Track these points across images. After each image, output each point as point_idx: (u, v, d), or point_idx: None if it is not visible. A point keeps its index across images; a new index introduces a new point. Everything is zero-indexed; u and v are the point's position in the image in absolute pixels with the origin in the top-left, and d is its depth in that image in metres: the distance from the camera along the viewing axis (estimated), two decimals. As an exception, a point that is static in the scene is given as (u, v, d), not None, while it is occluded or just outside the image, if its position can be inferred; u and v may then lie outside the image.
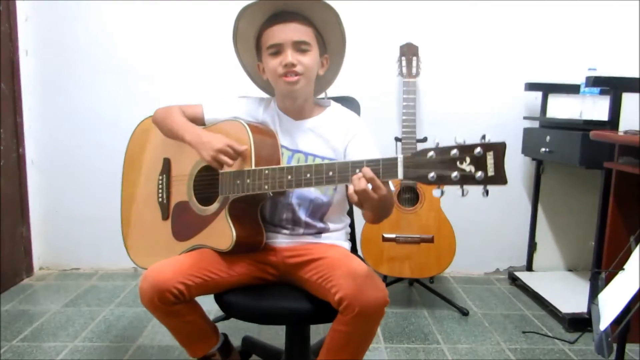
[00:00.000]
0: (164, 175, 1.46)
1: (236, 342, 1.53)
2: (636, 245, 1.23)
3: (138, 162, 1.54)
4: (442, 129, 2.52)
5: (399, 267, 2.21)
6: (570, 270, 2.65)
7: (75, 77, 2.53)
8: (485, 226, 2.63)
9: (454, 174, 0.94)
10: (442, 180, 0.96)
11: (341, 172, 1.10)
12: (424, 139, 2.30)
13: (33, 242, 2.60)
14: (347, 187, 1.34)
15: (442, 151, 0.97)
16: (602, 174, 1.95)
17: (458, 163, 0.95)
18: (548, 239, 2.63)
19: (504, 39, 2.52)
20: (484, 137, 0.95)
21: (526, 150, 2.49)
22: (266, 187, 1.21)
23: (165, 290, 1.17)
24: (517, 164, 2.61)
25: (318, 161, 1.33)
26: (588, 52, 2.47)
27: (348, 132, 1.36)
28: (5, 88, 2.38)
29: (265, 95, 1.49)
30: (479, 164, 0.93)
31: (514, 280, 2.57)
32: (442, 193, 0.98)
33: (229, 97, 1.44)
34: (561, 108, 2.38)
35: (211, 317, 1.41)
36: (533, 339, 1.99)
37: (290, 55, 1.27)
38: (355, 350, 1.19)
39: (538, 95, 2.50)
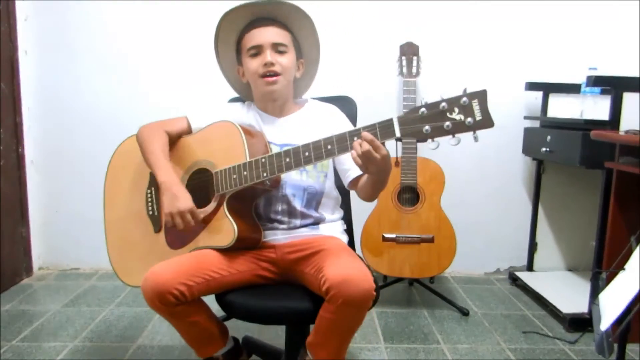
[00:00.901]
0: (152, 188, 1.45)
1: (236, 342, 1.53)
2: (637, 245, 1.22)
3: (120, 184, 1.52)
4: (443, 129, 2.52)
5: (399, 267, 2.21)
6: (570, 270, 2.65)
7: (75, 77, 2.53)
8: (485, 226, 2.63)
9: (447, 123, 1.05)
10: (437, 132, 1.06)
11: (340, 142, 1.15)
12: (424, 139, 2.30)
13: (33, 242, 2.60)
14: (334, 172, 1.43)
15: (432, 106, 1.06)
16: (602, 174, 1.95)
17: (448, 114, 1.05)
18: (549, 238, 2.62)
19: (504, 39, 2.52)
20: (465, 90, 1.05)
21: (527, 150, 2.49)
22: (264, 174, 1.24)
23: (165, 292, 1.17)
24: (517, 164, 2.61)
25: None
26: (588, 51, 2.47)
27: (331, 118, 1.45)
28: (5, 88, 2.37)
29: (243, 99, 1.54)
30: (467, 111, 1.04)
31: (514, 280, 2.57)
32: (438, 145, 1.07)
33: (212, 106, 1.48)
34: (562, 108, 2.38)
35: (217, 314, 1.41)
36: (533, 339, 1.99)
37: (269, 55, 1.35)
38: (342, 335, 1.24)
39: (538, 94, 2.49)
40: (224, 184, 1.29)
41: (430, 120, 1.06)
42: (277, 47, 1.37)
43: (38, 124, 2.57)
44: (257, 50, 1.37)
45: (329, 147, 1.16)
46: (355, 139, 1.13)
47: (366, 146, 1.10)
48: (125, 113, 2.50)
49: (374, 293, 1.15)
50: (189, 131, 1.43)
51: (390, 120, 1.10)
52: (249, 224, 1.35)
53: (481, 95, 1.04)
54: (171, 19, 2.49)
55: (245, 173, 1.26)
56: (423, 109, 1.06)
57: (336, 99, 1.58)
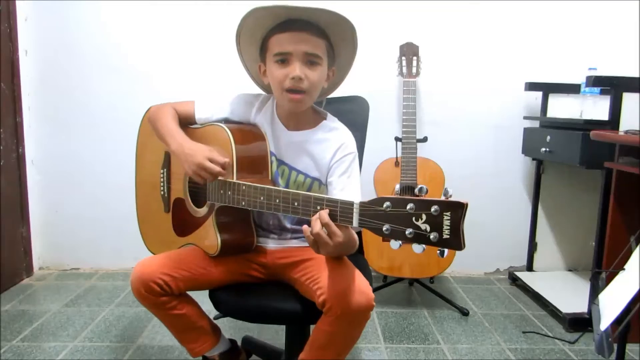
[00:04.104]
0: (165, 170, 1.46)
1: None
2: (636, 245, 1.23)
3: (147, 151, 1.54)
4: (442, 129, 2.52)
5: (399, 267, 2.21)
6: (570, 270, 2.65)
7: (75, 76, 2.53)
8: (485, 226, 2.62)
9: (409, 230, 0.88)
10: (396, 236, 0.90)
11: (304, 205, 1.05)
12: (424, 139, 2.30)
13: (33, 242, 2.59)
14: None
15: (399, 203, 0.90)
16: (602, 174, 1.95)
17: (413, 219, 0.88)
18: (548, 239, 2.63)
19: (504, 39, 2.52)
20: (446, 191, 0.87)
21: (526, 150, 2.49)
22: (243, 203, 1.19)
23: (149, 280, 1.21)
24: (517, 164, 2.61)
25: (301, 177, 1.33)
26: (588, 52, 2.47)
27: (335, 154, 1.31)
28: (5, 88, 2.37)
29: (261, 91, 1.47)
30: (435, 224, 0.86)
31: (514, 280, 2.57)
32: (400, 245, 0.92)
33: (221, 96, 1.40)
34: (561, 108, 2.38)
35: (211, 316, 1.42)
36: (533, 339, 1.99)
37: (298, 69, 1.20)
38: (338, 350, 1.20)
39: (538, 95, 2.50)
40: (213, 194, 1.26)
41: (392, 220, 0.90)
42: (308, 58, 1.21)
43: (38, 124, 2.57)
44: (285, 58, 1.22)
45: (295, 204, 1.07)
46: (317, 207, 1.01)
47: (317, 227, 0.99)
48: (125, 112, 2.50)
49: (373, 304, 1.12)
50: (194, 119, 1.39)
51: (351, 205, 0.96)
52: (240, 232, 1.32)
53: (456, 209, 0.84)
54: (171, 17, 2.49)
55: (229, 193, 1.21)
56: (388, 203, 0.90)
57: (349, 99, 1.55)
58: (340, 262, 1.20)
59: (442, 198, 0.86)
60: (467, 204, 0.84)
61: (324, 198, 1.02)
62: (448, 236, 0.85)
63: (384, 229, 0.91)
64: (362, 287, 1.12)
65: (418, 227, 0.87)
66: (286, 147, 1.34)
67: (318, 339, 1.19)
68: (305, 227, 1.02)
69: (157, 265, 1.24)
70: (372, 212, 0.93)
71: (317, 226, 1.00)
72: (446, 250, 0.86)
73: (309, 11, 1.21)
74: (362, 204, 0.95)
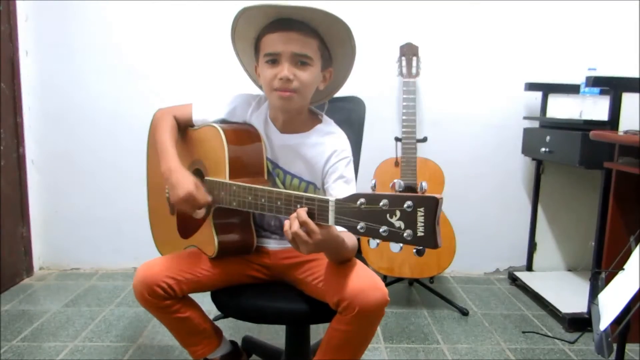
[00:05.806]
0: None
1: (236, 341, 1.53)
2: (636, 245, 1.23)
3: (156, 154, 1.54)
4: (442, 129, 2.52)
5: (399, 267, 2.21)
6: (570, 270, 2.65)
7: (75, 77, 2.53)
8: (485, 226, 2.63)
9: (383, 228, 0.85)
10: (371, 234, 0.87)
11: (286, 204, 1.03)
12: (424, 139, 2.30)
13: (33, 242, 2.59)
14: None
15: (372, 199, 0.87)
16: (602, 174, 1.95)
17: (388, 216, 0.85)
18: (548, 239, 2.63)
19: (504, 39, 2.52)
20: (422, 186, 0.85)
21: (526, 150, 2.49)
22: (234, 204, 1.18)
23: (153, 284, 1.20)
24: (517, 164, 2.61)
25: (296, 181, 1.32)
26: (588, 52, 2.47)
27: (330, 159, 1.29)
28: (5, 88, 2.37)
29: (261, 92, 1.45)
30: (409, 220, 0.83)
31: (514, 280, 2.57)
32: (377, 244, 0.91)
33: (219, 97, 1.39)
34: (561, 108, 2.38)
35: (211, 316, 1.42)
36: (533, 339, 1.99)
37: (287, 69, 1.18)
38: (354, 350, 1.17)
39: (538, 95, 2.50)
40: (210, 196, 1.26)
41: (366, 218, 0.87)
42: (298, 59, 1.19)
43: (38, 124, 2.57)
44: (274, 58, 1.20)
45: (279, 203, 1.05)
46: (297, 206, 0.99)
47: (295, 226, 0.97)
48: (126, 113, 2.51)
49: (388, 299, 1.10)
50: (192, 121, 1.39)
51: (327, 202, 0.94)
52: (240, 233, 1.31)
53: (430, 204, 0.81)
54: (172, 17, 2.49)
55: (222, 194, 1.21)
56: (362, 199, 0.88)
57: (344, 99, 1.55)
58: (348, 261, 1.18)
59: (418, 193, 0.85)
60: (441, 199, 0.82)
61: (303, 196, 1.00)
62: (422, 234, 0.82)
63: (359, 227, 0.88)
64: (376, 283, 1.11)
65: (392, 225, 0.84)
66: (279, 150, 1.33)
67: (333, 339, 1.15)
68: (285, 222, 1.01)
69: (160, 269, 1.23)
70: (347, 210, 0.90)
71: (294, 225, 0.98)
72: (425, 250, 0.85)
73: (298, 10, 1.18)
74: (337, 201, 0.93)
